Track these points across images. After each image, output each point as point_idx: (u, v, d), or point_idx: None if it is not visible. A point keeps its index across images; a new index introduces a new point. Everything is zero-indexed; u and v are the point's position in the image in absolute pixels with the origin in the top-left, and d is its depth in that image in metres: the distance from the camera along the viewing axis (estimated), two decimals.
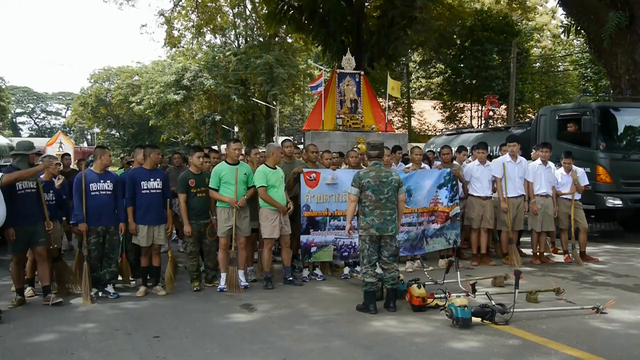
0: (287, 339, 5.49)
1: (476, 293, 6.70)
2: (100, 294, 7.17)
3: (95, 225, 7.05)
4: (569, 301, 6.74)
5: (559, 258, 9.76)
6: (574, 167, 9.70)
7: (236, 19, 37.76)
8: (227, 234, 7.58)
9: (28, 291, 7.23)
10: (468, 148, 10.99)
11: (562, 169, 9.70)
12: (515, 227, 9.40)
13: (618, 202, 11.44)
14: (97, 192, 7.07)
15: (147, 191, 7.31)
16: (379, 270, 6.65)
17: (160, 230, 7.41)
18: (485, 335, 5.54)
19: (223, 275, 7.56)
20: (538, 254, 9.51)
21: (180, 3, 27.90)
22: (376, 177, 6.51)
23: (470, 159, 10.16)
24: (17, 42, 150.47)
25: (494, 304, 6.01)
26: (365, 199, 6.50)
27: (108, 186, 7.15)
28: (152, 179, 7.38)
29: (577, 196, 9.65)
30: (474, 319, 5.82)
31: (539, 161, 9.58)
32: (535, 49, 37.73)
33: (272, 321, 6.12)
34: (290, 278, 7.89)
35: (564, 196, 9.61)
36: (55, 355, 5.06)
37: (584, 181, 9.78)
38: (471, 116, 33.33)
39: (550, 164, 9.67)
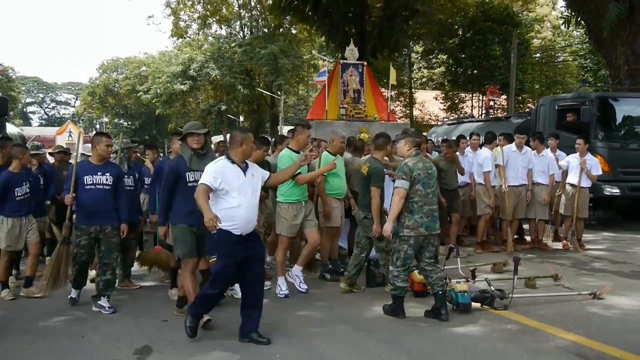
0: (290, 323, 5.61)
1: (476, 279, 6.81)
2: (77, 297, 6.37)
3: (87, 224, 6.00)
4: (567, 287, 6.86)
5: (557, 245, 9.88)
6: (588, 155, 9.71)
7: (241, 10, 37.84)
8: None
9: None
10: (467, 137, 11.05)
11: (577, 154, 9.73)
12: (517, 215, 9.56)
13: (616, 191, 11.62)
14: (92, 186, 5.99)
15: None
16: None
17: None
18: (485, 320, 5.67)
19: (282, 279, 6.78)
20: (534, 240, 9.71)
21: None
22: (424, 169, 5.71)
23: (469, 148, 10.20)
24: (27, 32, 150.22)
25: (493, 289, 6.14)
26: (415, 194, 5.64)
27: (107, 180, 6.03)
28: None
29: (585, 184, 9.67)
30: (473, 304, 5.94)
31: (535, 151, 9.72)
32: (535, 40, 37.60)
33: (275, 306, 6.20)
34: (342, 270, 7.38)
35: (569, 182, 9.71)
36: (67, 338, 5.19)
37: (596, 171, 9.75)
38: (472, 106, 33.35)
39: (547, 151, 9.83)
